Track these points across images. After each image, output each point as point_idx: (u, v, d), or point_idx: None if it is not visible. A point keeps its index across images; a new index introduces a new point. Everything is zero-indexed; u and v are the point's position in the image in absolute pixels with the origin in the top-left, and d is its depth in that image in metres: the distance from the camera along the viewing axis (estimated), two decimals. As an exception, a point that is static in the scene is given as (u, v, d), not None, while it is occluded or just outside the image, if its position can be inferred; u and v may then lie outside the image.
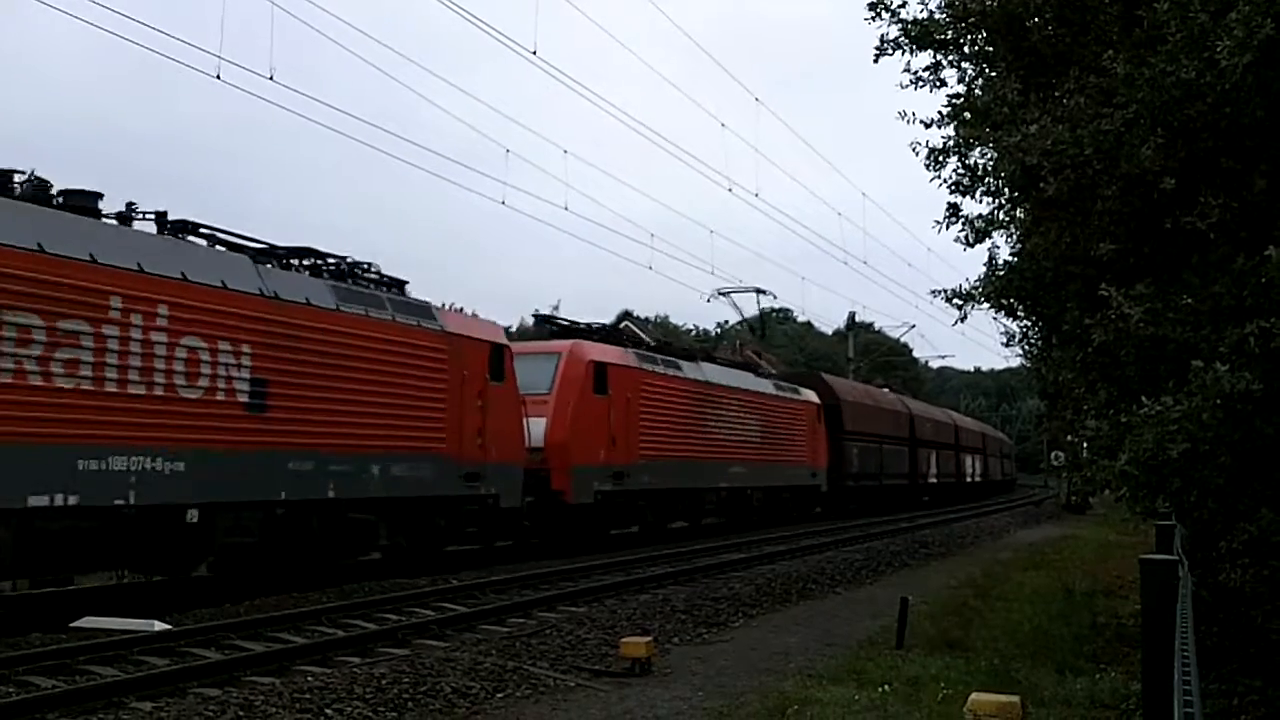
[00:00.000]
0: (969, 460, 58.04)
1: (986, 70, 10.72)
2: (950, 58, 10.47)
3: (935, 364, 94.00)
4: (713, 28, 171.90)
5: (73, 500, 10.91)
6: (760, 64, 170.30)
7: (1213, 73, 7.26)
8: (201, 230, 13.52)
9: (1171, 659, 4.08)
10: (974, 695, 7.04)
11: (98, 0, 13.53)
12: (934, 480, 49.60)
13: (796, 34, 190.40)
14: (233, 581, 13.63)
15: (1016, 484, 79.27)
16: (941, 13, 10.05)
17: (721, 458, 26.16)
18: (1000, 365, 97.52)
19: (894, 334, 71.01)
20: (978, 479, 60.31)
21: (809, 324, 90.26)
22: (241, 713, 7.67)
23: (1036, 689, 8.87)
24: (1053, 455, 57.63)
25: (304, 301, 14.06)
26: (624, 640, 10.10)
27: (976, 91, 10.61)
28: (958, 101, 10.69)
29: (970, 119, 10.31)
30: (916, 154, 10.30)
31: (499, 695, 8.77)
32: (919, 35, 10.04)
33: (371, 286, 15.91)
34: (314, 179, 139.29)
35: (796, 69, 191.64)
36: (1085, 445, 11.81)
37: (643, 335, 26.84)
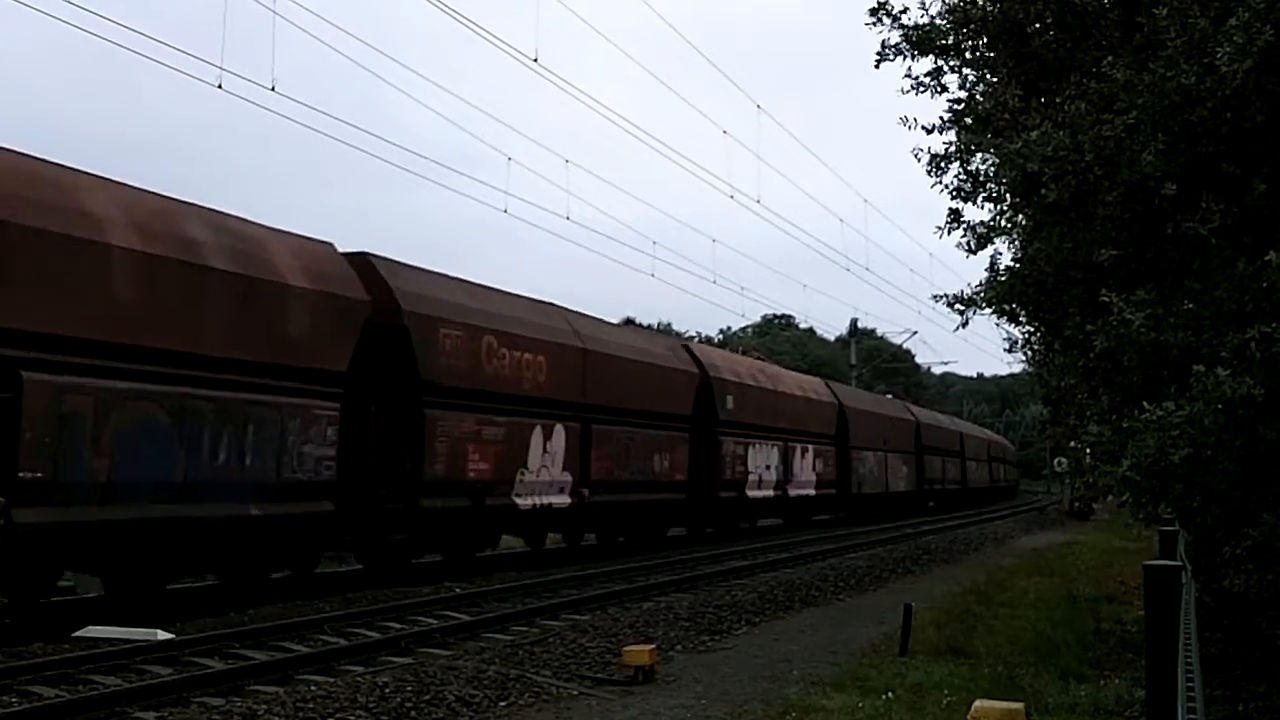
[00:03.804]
0: (797, 458, 30.41)
1: (988, 76, 10.76)
2: (952, 63, 10.51)
3: (938, 370, 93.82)
4: (711, 29, 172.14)
5: None
6: (760, 67, 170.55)
7: (1213, 78, 7.28)
8: None
9: (1175, 665, 4.07)
10: (978, 702, 7.02)
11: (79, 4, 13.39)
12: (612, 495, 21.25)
13: (796, 37, 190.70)
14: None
15: (1019, 490, 79.04)
16: (943, 18, 10.09)
17: None
18: (1003, 371, 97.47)
19: (896, 340, 71.00)
20: (812, 490, 31.65)
21: (811, 330, 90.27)
22: (244, 722, 7.64)
23: (1041, 696, 8.85)
24: (1056, 461, 57.45)
25: None
26: (627, 648, 10.08)
27: (978, 97, 10.64)
28: (959, 107, 10.72)
29: (971, 125, 10.34)
30: (918, 160, 10.34)
31: (502, 704, 8.76)
32: (920, 41, 10.08)
33: None
34: (315, 187, 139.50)
35: (796, 72, 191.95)
36: (1088, 451, 11.83)
37: None
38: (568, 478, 19.44)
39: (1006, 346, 14.61)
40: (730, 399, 26.13)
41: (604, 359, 20.68)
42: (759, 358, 38.30)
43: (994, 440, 69.00)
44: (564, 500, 19.34)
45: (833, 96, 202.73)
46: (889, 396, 52.27)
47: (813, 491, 31.82)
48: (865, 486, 36.31)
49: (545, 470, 18.77)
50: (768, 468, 28.34)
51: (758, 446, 27.64)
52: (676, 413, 23.54)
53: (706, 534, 26.56)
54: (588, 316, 21.95)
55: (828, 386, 35.88)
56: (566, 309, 21.16)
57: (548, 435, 18.81)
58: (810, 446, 31.52)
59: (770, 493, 28.54)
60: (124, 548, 12.06)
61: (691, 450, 24.11)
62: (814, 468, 31.94)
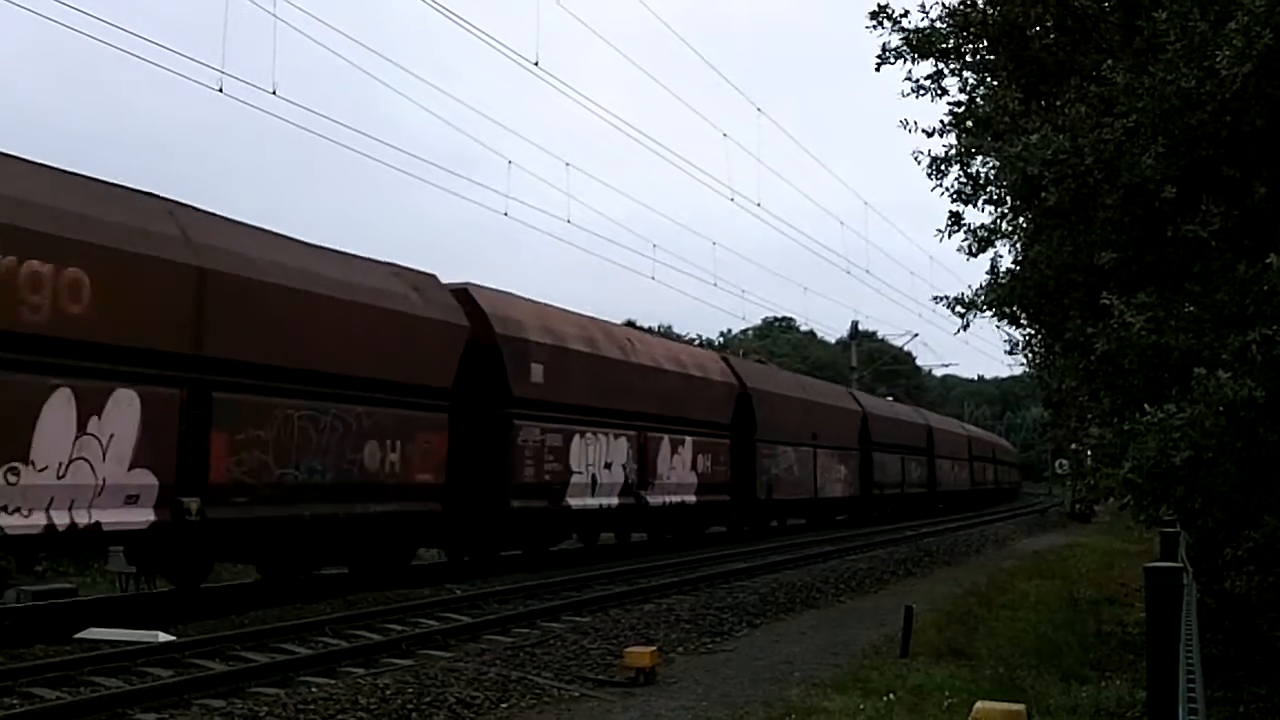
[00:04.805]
0: (665, 453, 23.27)
1: (988, 79, 10.77)
2: (952, 66, 10.53)
3: (939, 372, 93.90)
4: (708, 30, 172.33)
5: None
6: (758, 68, 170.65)
7: (1213, 82, 7.29)
8: None
9: (1176, 667, 4.08)
10: (979, 704, 7.02)
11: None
12: None
13: (792, 37, 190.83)
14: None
15: (1020, 492, 78.78)
16: (943, 22, 10.11)
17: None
18: (1005, 373, 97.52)
19: (897, 342, 71.05)
20: (692, 497, 24.41)
21: (812, 333, 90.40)
22: (246, 724, 7.64)
23: (1042, 698, 8.86)
24: (1057, 463, 57.42)
25: None
26: (628, 650, 10.09)
27: (978, 100, 10.65)
28: (959, 110, 10.73)
29: (972, 128, 10.35)
30: (919, 163, 10.35)
31: (503, 705, 8.77)
32: (920, 44, 10.10)
33: None
34: (315, 189, 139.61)
35: (793, 72, 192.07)
36: (1089, 453, 11.85)
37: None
38: (147, 480, 11.60)
39: (1008, 349, 14.60)
40: (539, 368, 18.29)
41: (249, 288, 12.72)
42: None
43: (978, 437, 60.69)
44: (137, 518, 11.53)
45: (831, 95, 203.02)
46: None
47: (692, 498, 24.08)
48: (780, 490, 28.84)
49: (79, 467, 10.89)
50: (608, 466, 20.53)
51: (590, 436, 19.93)
52: (420, 383, 15.57)
53: (501, 560, 18.59)
54: (232, 223, 13.42)
55: (725, 362, 27.87)
56: (181, 204, 12.87)
57: (91, 406, 11.01)
58: (688, 438, 23.86)
59: (613, 500, 20.77)
60: None
61: (454, 439, 16.27)
62: (694, 466, 24.25)
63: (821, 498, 32.10)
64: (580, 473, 19.58)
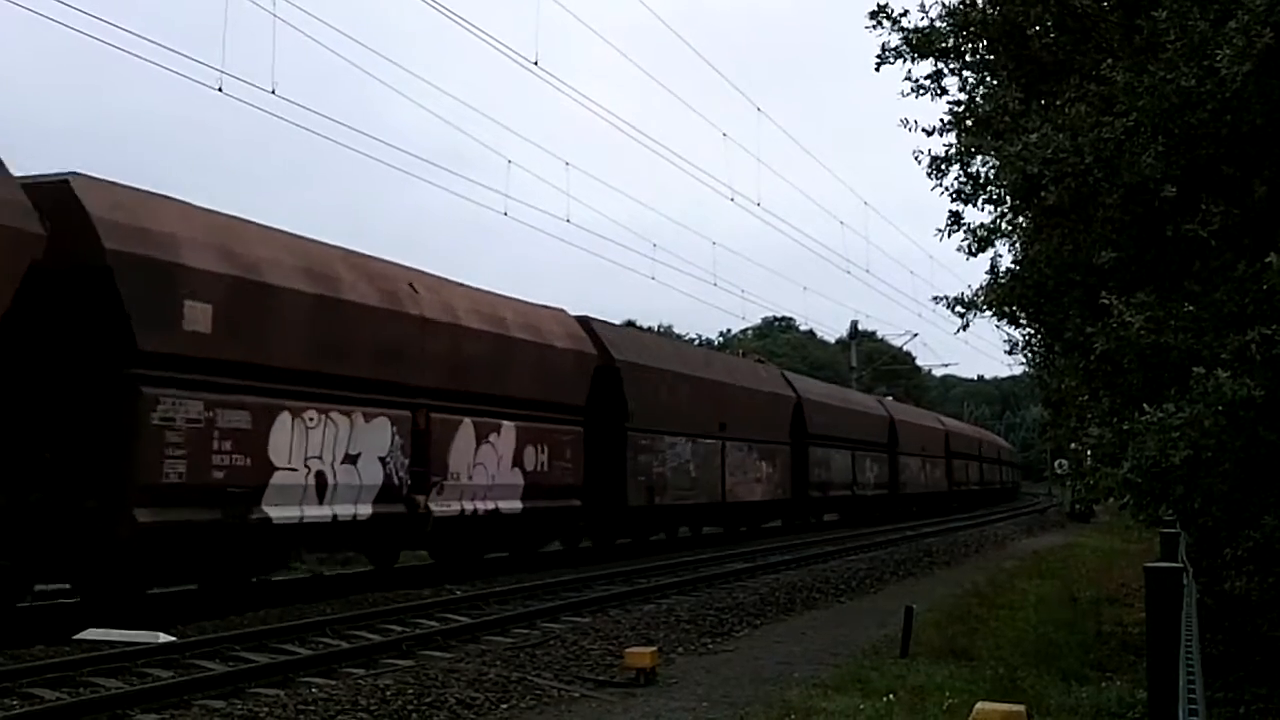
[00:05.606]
0: (464, 442, 16.85)
1: (988, 78, 10.76)
2: (952, 66, 10.52)
3: (939, 372, 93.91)
4: (707, 29, 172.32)
5: None
6: (758, 65, 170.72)
7: (1213, 81, 7.29)
8: None
9: (1177, 667, 4.08)
10: (979, 704, 7.01)
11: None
12: None
13: (791, 34, 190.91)
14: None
15: (1019, 492, 78.73)
16: (943, 21, 10.11)
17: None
18: (1004, 373, 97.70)
19: (897, 342, 71.03)
20: (493, 503, 17.40)
21: (811, 333, 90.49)
22: (245, 725, 7.63)
23: (1042, 698, 8.86)
24: (1057, 463, 57.35)
25: None
26: (628, 650, 10.09)
27: (978, 100, 10.65)
28: (959, 109, 10.73)
29: (972, 127, 10.34)
30: (919, 162, 10.35)
31: (504, 706, 8.76)
32: (920, 43, 10.09)
33: None
34: (315, 188, 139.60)
35: (793, 68, 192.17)
36: (1089, 453, 11.85)
37: None
38: None
39: (1007, 349, 14.61)
40: (201, 309, 12.22)
41: None
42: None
43: (959, 431, 54.05)
44: None
45: (831, 94, 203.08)
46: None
47: (516, 504, 17.90)
48: (668, 494, 22.91)
49: None
50: (353, 459, 14.34)
51: (313, 416, 13.69)
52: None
53: (148, 600, 12.81)
54: None
55: (584, 326, 21.13)
56: None
57: None
58: (508, 423, 17.81)
59: (364, 509, 14.52)
60: None
61: (14, 418, 11.03)
62: (520, 461, 18.13)
63: (732, 502, 26.09)
64: (291, 469, 13.37)
